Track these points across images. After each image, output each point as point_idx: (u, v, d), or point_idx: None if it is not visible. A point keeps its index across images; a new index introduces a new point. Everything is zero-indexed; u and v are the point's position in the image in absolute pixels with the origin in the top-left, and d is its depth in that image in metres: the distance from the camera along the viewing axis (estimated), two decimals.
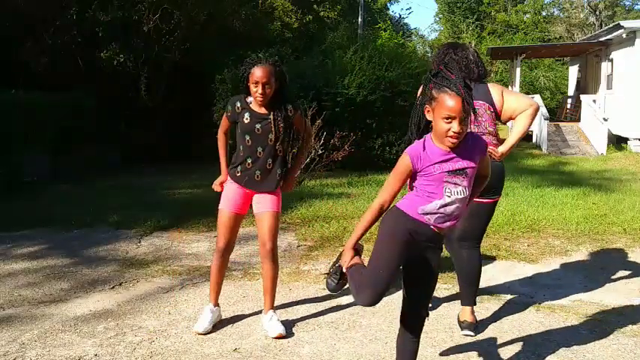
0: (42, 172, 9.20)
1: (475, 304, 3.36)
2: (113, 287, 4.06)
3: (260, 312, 3.56)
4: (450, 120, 2.10)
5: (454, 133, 2.11)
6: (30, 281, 4.19)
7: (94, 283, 4.15)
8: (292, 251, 5.02)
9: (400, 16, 49.55)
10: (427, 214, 2.22)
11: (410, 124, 2.30)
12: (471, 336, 3.22)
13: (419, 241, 2.24)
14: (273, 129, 3.14)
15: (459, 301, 3.74)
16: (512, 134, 3.25)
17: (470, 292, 3.32)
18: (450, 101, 2.10)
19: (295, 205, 6.70)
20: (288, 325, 3.30)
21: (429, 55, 31.02)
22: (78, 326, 3.34)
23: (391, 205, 2.28)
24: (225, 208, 3.24)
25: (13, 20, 10.18)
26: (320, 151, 8.32)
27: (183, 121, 11.78)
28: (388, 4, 35.43)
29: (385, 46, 14.05)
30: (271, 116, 3.14)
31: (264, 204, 3.21)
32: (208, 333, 3.22)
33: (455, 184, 2.19)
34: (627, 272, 4.43)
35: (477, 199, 3.03)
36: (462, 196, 2.21)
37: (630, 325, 3.35)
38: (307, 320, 3.44)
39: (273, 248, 3.20)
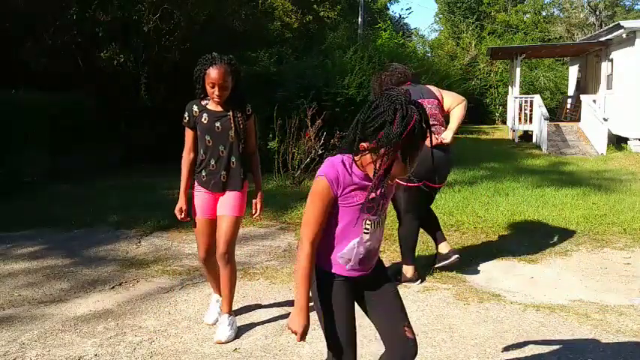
0: (42, 172, 9.20)
1: (414, 264, 4.13)
2: (113, 287, 4.06)
3: (259, 311, 3.57)
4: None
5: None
6: (30, 281, 4.20)
7: (94, 283, 4.15)
8: (292, 251, 5.02)
9: (400, 16, 49.54)
10: (348, 260, 1.93)
11: (350, 138, 1.84)
12: (413, 283, 4.08)
13: (355, 289, 1.99)
14: (233, 125, 3.12)
15: (459, 301, 3.77)
16: (452, 123, 4.09)
17: (406, 253, 4.13)
18: (403, 171, 1.81)
19: (295, 205, 6.70)
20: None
21: (429, 55, 31.02)
22: (78, 326, 3.35)
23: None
24: (200, 217, 3.24)
25: (13, 20, 10.18)
26: (320, 151, 8.32)
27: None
28: (388, 4, 35.40)
29: (385, 46, 14.07)
30: (230, 113, 3.13)
31: (225, 207, 3.19)
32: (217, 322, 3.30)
33: (374, 214, 1.92)
34: (627, 272, 4.43)
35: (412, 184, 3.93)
36: (379, 221, 1.95)
37: (630, 325, 3.36)
38: None
39: (226, 252, 3.17)
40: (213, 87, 3.03)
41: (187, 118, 3.18)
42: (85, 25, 10.73)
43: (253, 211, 3.35)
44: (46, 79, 10.25)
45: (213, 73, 3.00)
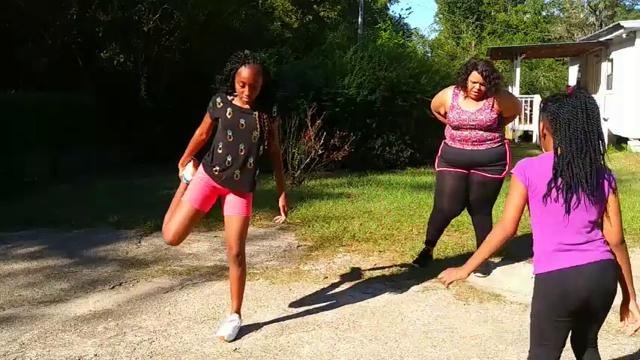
0: (42, 172, 9.19)
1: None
2: (113, 287, 4.06)
3: (259, 311, 3.57)
4: None
5: None
6: (30, 281, 4.19)
7: (94, 283, 4.15)
8: (292, 251, 5.02)
9: (400, 16, 49.63)
10: None
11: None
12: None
13: None
14: (258, 125, 3.02)
15: (459, 301, 3.78)
16: None
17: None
18: None
19: (295, 205, 6.70)
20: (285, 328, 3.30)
21: (429, 55, 31.01)
22: (78, 326, 3.34)
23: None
24: (189, 202, 3.09)
25: (13, 20, 10.18)
26: (320, 151, 8.32)
27: (183, 121, 11.77)
28: (388, 4, 35.42)
29: (385, 46, 14.04)
30: (256, 113, 3.03)
31: (234, 207, 3.13)
32: None
33: None
34: None
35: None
36: None
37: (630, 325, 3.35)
38: (307, 320, 3.44)
39: (239, 253, 3.14)
40: (243, 86, 2.95)
41: (211, 108, 3.11)
42: (85, 25, 10.73)
43: (281, 214, 3.24)
44: (46, 79, 10.24)
45: (244, 72, 2.93)
